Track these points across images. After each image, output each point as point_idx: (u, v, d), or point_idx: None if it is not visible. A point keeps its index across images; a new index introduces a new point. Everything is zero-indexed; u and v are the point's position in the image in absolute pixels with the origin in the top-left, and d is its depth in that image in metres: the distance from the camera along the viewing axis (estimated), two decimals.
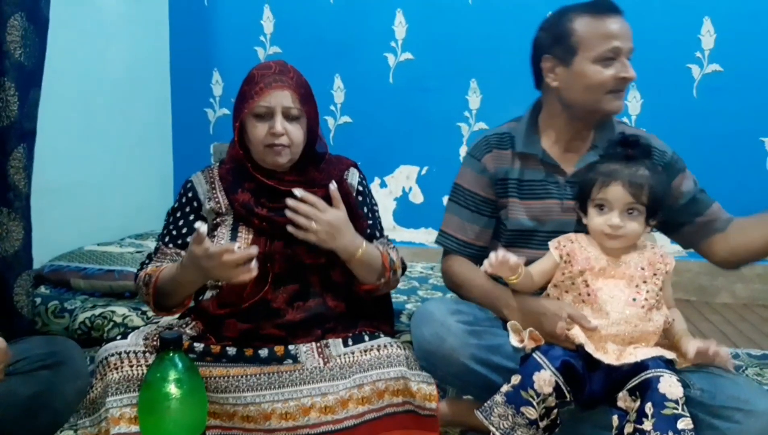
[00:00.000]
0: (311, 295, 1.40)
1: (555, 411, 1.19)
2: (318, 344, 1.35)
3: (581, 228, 1.34)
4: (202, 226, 1.16)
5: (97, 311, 1.97)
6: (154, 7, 3.13)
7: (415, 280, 2.62)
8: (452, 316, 1.31)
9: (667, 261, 1.27)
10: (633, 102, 2.76)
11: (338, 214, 1.34)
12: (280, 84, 1.35)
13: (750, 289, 2.71)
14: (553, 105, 1.43)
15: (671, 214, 1.38)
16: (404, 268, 1.50)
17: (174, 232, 1.43)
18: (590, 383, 1.20)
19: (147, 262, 1.43)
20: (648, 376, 1.14)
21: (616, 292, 1.23)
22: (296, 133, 1.38)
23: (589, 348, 1.18)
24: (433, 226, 3.11)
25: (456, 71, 2.97)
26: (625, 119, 1.43)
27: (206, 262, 1.17)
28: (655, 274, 1.25)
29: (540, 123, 1.47)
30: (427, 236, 3.12)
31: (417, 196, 3.11)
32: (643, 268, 1.25)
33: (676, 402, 1.10)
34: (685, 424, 1.09)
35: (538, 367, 1.18)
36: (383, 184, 3.11)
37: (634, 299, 1.22)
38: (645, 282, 1.24)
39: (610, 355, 1.19)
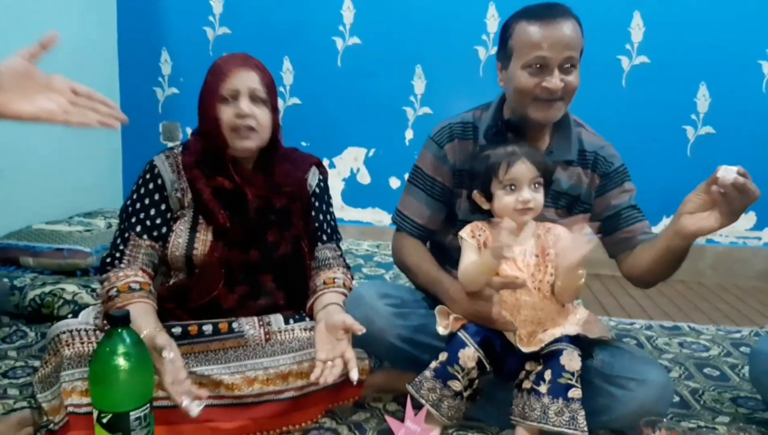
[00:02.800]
0: (262, 295, 1.44)
1: (476, 382, 1.32)
2: (260, 319, 1.40)
3: (478, 217, 1.39)
4: (169, 355, 1.15)
5: (47, 289, 2.00)
6: None
7: (361, 259, 2.73)
8: (381, 300, 1.40)
9: (558, 243, 1.31)
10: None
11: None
12: (246, 66, 1.36)
13: None
14: (508, 103, 1.46)
15: (596, 221, 1.45)
16: (352, 275, 1.54)
17: (147, 223, 1.39)
18: (507, 361, 1.33)
19: (117, 254, 1.37)
20: (553, 348, 1.28)
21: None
22: (263, 116, 1.36)
23: (508, 335, 1.32)
24: (380, 205, 3.22)
25: (402, 57, 3.05)
26: (577, 118, 1.49)
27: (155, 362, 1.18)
28: (548, 260, 1.31)
29: (500, 116, 1.47)
30: (373, 215, 3.23)
31: (364, 177, 3.21)
32: (537, 256, 1.31)
33: (572, 374, 1.25)
34: (574, 393, 1.24)
35: (463, 345, 1.30)
36: (332, 165, 3.19)
37: (536, 288, 1.30)
38: (540, 269, 1.31)
39: (522, 341, 1.31)
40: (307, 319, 1.43)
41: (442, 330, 1.35)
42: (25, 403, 1.45)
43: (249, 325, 1.38)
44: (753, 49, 2.82)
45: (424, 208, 1.53)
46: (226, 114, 1.35)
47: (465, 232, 1.35)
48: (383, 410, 1.49)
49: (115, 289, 1.30)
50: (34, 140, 2.56)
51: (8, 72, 0.96)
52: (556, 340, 1.29)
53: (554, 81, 1.33)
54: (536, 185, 1.30)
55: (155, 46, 3.24)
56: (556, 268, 1.29)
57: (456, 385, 1.29)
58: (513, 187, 1.29)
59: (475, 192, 1.36)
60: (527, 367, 1.32)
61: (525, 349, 1.29)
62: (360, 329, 1.29)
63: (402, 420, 1.26)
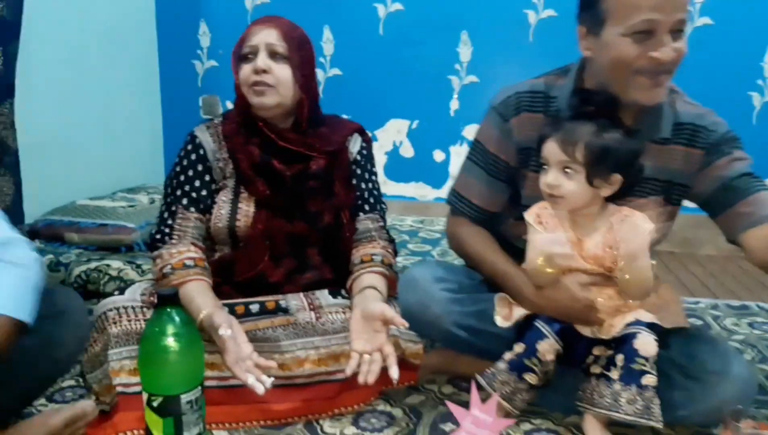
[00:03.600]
0: (309, 269, 1.40)
1: (551, 372, 1.23)
2: (306, 295, 1.37)
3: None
4: (226, 332, 1.14)
5: (93, 265, 1.99)
6: None
7: (405, 235, 2.66)
8: (437, 284, 1.31)
9: (630, 240, 1.17)
10: None
11: None
12: (266, 23, 1.34)
13: None
14: (590, 74, 1.26)
15: (701, 201, 1.28)
16: (395, 249, 1.47)
17: (193, 195, 1.36)
18: (575, 347, 1.24)
19: (166, 230, 1.34)
20: (626, 331, 1.18)
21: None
22: (282, 72, 1.32)
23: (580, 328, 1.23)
24: (424, 179, 3.13)
25: (447, 23, 2.92)
26: (672, 84, 1.23)
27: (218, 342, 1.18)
28: (612, 256, 1.19)
29: (581, 86, 1.27)
30: (417, 190, 3.14)
31: (407, 150, 3.12)
32: (610, 247, 1.19)
33: (647, 359, 1.14)
34: (648, 380, 1.13)
35: (541, 336, 1.20)
36: (374, 138, 3.10)
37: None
38: (616, 262, 1.19)
39: (596, 329, 1.22)
40: None
41: (500, 321, 1.26)
42: (72, 382, 1.43)
43: (295, 302, 1.33)
44: None
45: (483, 188, 1.37)
46: (246, 71, 1.33)
47: (530, 216, 1.24)
48: (439, 393, 1.42)
49: (169, 267, 1.27)
50: (77, 116, 2.54)
51: None
52: (630, 324, 1.19)
53: (666, 50, 1.10)
54: (568, 170, 1.16)
55: (193, 18, 3.18)
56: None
57: (532, 378, 1.20)
58: (545, 168, 1.19)
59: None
60: (595, 351, 1.22)
61: (603, 336, 1.20)
62: (402, 323, 1.21)
63: (459, 404, 1.18)
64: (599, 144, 1.14)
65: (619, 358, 1.16)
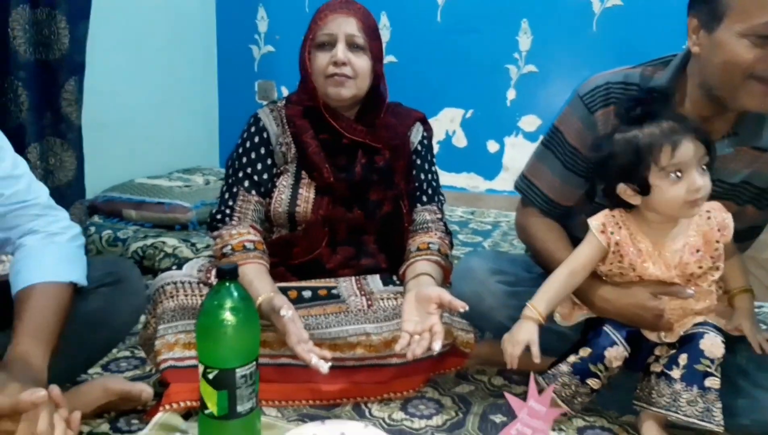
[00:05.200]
0: (364, 255, 1.40)
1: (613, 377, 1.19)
2: (357, 281, 1.36)
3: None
4: (287, 313, 1.15)
5: (149, 241, 2.04)
6: None
7: (456, 225, 2.63)
8: (493, 276, 1.28)
9: (725, 233, 1.12)
10: None
11: None
12: (345, 11, 1.31)
13: None
14: (695, 71, 1.15)
15: None
16: (451, 241, 1.45)
17: (255, 178, 1.36)
18: (643, 351, 1.19)
19: (227, 211, 1.34)
20: (693, 331, 1.13)
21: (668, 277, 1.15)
22: (361, 64, 1.30)
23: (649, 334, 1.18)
24: (475, 170, 3.09)
25: (506, 10, 2.87)
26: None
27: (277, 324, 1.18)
28: (709, 253, 1.13)
29: (681, 82, 1.17)
30: (468, 181, 3.10)
31: (460, 140, 3.08)
32: (698, 251, 1.13)
33: (711, 361, 1.09)
34: (711, 382, 1.08)
35: (612, 343, 1.15)
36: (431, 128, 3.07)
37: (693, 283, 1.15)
38: (700, 267, 1.13)
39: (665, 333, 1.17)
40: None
41: (559, 319, 1.23)
42: (127, 353, 1.47)
43: (347, 289, 1.34)
44: None
45: (557, 180, 1.29)
46: (322, 60, 1.30)
47: (595, 222, 1.16)
48: (489, 384, 1.40)
49: (229, 247, 1.29)
50: (137, 97, 2.61)
51: None
52: (697, 324, 1.14)
53: None
54: (705, 166, 1.08)
55: (252, 3, 3.22)
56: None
57: (596, 384, 1.16)
58: (680, 174, 1.06)
59: (621, 186, 1.12)
60: (657, 351, 1.18)
61: (670, 340, 1.15)
62: (462, 306, 1.18)
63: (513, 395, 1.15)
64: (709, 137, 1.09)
65: (683, 358, 1.11)
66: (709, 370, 1.09)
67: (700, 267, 1.13)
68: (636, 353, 1.18)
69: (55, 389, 0.91)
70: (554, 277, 1.19)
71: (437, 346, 1.17)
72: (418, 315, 1.22)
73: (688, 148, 1.06)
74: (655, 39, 2.53)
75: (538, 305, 1.16)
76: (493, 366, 1.45)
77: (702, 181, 1.07)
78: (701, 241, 1.13)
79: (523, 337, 1.14)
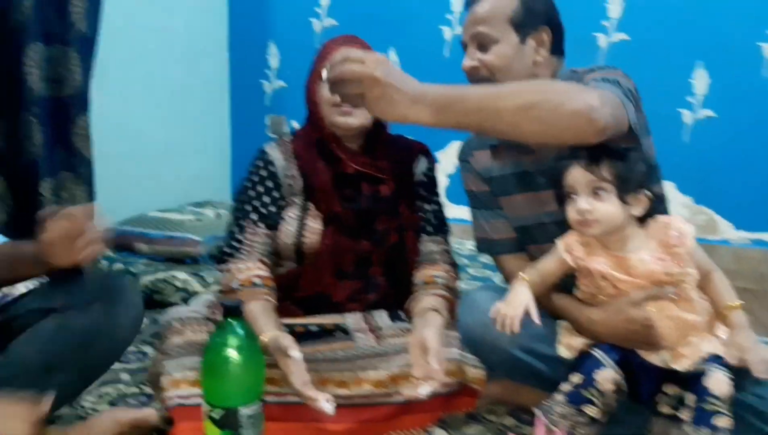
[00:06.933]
0: (372, 289, 1.40)
1: (613, 405, 1.16)
2: (364, 316, 1.36)
3: None
4: (297, 354, 1.14)
5: (160, 275, 2.05)
6: None
7: (465, 258, 2.61)
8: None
9: (685, 241, 1.13)
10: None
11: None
12: (347, 45, 1.33)
13: None
14: None
15: None
16: (457, 273, 1.45)
17: (263, 211, 1.37)
18: (642, 381, 1.17)
19: (235, 244, 1.36)
20: (698, 369, 1.10)
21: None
22: None
23: (645, 353, 1.16)
24: None
25: None
26: None
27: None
28: (675, 260, 1.13)
29: None
30: None
31: None
32: (662, 259, 1.13)
33: (720, 399, 1.06)
34: (722, 422, 1.04)
35: (599, 365, 1.14)
36: (435, 160, 3.08)
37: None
38: (669, 274, 1.13)
39: (667, 357, 1.14)
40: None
41: (563, 351, 1.21)
42: (135, 389, 1.46)
43: (354, 324, 1.33)
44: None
45: (492, 222, 1.38)
46: (328, 91, 1.30)
47: (561, 247, 1.19)
48: (499, 425, 1.37)
49: (237, 282, 1.29)
50: (149, 130, 2.65)
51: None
52: (703, 360, 1.11)
53: (465, 60, 1.25)
54: (598, 191, 1.11)
55: (263, 39, 3.27)
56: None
57: (592, 411, 1.14)
58: (572, 196, 1.14)
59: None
60: (665, 389, 1.15)
61: (674, 366, 1.13)
62: (436, 357, 1.16)
63: None
64: (624, 158, 1.12)
65: (690, 398, 1.08)
66: (718, 409, 1.06)
67: (669, 274, 1.12)
68: (639, 382, 1.16)
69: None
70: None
71: (424, 391, 1.15)
72: (424, 358, 1.20)
73: (576, 173, 1.11)
74: (660, 73, 2.58)
75: (527, 273, 1.19)
76: (504, 405, 1.42)
77: (586, 205, 1.11)
78: (663, 249, 1.13)
79: (519, 299, 1.14)
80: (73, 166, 1.98)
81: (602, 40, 2.74)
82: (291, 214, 1.38)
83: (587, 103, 0.96)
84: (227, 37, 3.27)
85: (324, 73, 0.98)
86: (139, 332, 1.27)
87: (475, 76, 1.24)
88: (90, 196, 2.03)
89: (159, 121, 2.72)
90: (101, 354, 1.19)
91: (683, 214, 2.61)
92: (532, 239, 1.34)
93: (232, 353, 0.96)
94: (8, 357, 1.05)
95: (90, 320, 1.12)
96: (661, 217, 1.16)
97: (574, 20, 2.50)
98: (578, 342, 1.21)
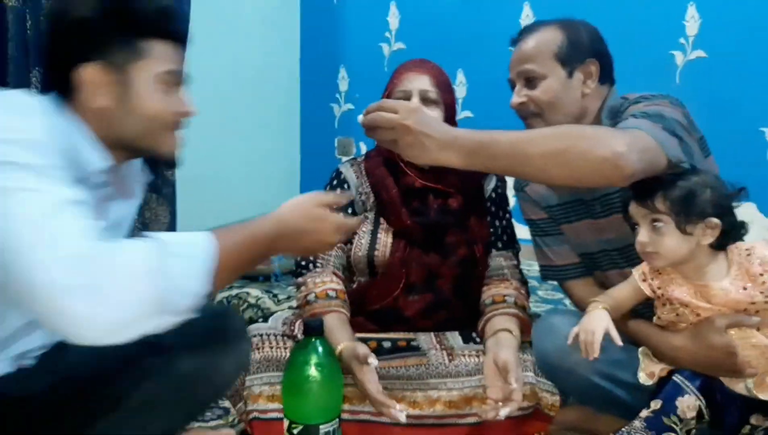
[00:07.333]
0: (442, 305, 1.41)
1: (693, 433, 1.13)
2: (436, 336, 1.37)
3: None
4: (374, 362, 1.16)
5: (234, 292, 2.12)
6: (286, 6, 3.29)
7: (535, 280, 2.57)
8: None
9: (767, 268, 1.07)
10: None
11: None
12: (418, 69, 1.39)
13: None
14: None
15: None
16: (528, 290, 1.46)
17: None
18: (727, 411, 1.13)
19: (311, 258, 1.40)
20: None
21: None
22: (434, 115, 1.35)
23: (730, 382, 1.11)
24: None
25: None
26: None
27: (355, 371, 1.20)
28: (759, 288, 1.07)
29: None
30: None
31: None
32: (745, 288, 1.08)
33: None
34: None
35: (681, 392, 1.10)
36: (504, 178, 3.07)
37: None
38: (753, 303, 1.08)
39: (747, 383, 1.10)
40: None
41: (644, 378, 1.17)
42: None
43: (426, 342, 1.34)
44: None
45: (555, 248, 1.38)
46: None
47: (637, 271, 1.16)
48: None
49: (313, 295, 1.34)
50: (225, 154, 2.76)
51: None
52: None
53: None
54: (657, 223, 1.07)
55: (333, 63, 3.37)
56: None
57: None
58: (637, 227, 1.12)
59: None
60: (752, 420, 1.10)
61: (759, 395, 1.08)
62: (515, 380, 1.17)
63: None
64: (680, 188, 1.06)
65: None
66: None
67: (753, 303, 1.07)
68: (723, 412, 1.11)
69: None
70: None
71: (503, 413, 1.16)
72: (500, 379, 1.21)
73: (633, 206, 1.10)
74: (740, 92, 2.48)
75: (601, 300, 1.16)
76: (577, 432, 1.39)
77: (642, 238, 1.09)
78: (746, 277, 1.08)
79: (598, 323, 1.11)
80: (157, 187, 2.10)
81: (679, 58, 2.68)
82: (363, 229, 1.43)
83: (613, 150, 0.96)
84: (299, 63, 3.38)
85: (360, 118, 1.05)
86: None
87: (523, 112, 1.25)
88: (172, 216, 2.14)
89: (234, 145, 2.84)
90: (202, 397, 1.14)
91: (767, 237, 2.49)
92: (597, 265, 1.33)
93: (314, 371, 0.99)
94: (104, 388, 0.99)
95: (198, 364, 1.04)
96: (741, 244, 1.11)
97: (652, 38, 2.51)
98: (658, 368, 1.18)
